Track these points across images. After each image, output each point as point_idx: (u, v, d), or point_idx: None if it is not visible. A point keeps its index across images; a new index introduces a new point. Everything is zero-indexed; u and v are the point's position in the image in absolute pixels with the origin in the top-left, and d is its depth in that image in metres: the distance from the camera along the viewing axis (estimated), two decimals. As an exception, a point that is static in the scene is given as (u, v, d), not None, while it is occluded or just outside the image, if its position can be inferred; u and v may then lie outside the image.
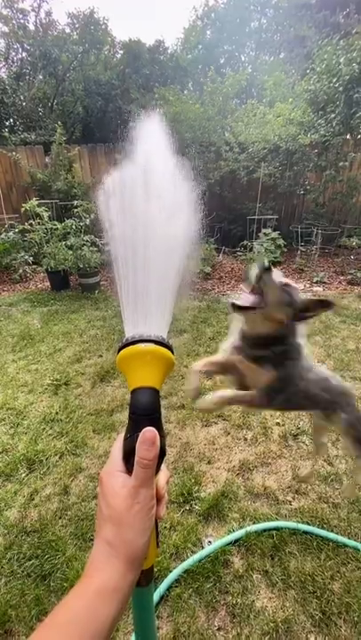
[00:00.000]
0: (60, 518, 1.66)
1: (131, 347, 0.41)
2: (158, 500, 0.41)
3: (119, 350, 0.42)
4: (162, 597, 1.34)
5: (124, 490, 0.37)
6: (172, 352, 0.43)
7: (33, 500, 1.76)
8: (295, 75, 8.81)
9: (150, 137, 0.51)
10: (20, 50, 10.40)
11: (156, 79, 10.48)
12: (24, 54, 10.44)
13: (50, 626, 0.33)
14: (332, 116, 5.59)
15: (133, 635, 1.15)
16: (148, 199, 0.45)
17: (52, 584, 1.38)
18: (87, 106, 10.02)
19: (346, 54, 5.28)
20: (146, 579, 0.43)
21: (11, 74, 10.00)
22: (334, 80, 5.43)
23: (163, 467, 0.43)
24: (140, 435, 0.38)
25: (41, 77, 10.42)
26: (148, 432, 0.38)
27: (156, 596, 1.32)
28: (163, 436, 0.40)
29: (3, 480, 1.88)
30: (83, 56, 10.41)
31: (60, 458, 2.02)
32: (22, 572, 1.43)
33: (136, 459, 0.38)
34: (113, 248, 0.45)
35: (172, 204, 0.46)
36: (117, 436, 0.43)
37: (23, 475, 1.90)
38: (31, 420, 2.32)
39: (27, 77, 10.36)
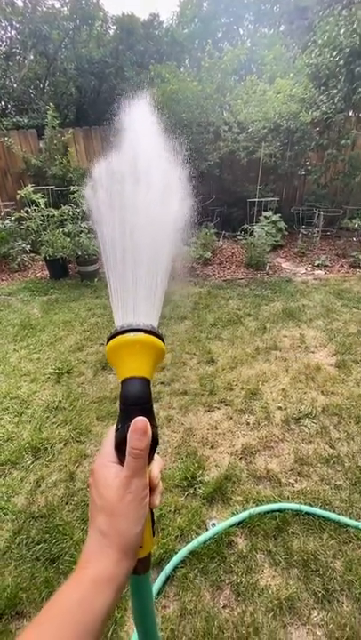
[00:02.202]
0: (66, 504, 1.69)
1: (119, 337, 0.40)
2: (152, 489, 0.41)
3: (108, 341, 0.41)
4: (168, 577, 1.37)
5: (117, 480, 0.37)
6: (163, 341, 0.42)
7: (39, 486, 1.79)
8: (296, 48, 8.44)
9: (139, 119, 0.49)
10: (9, 28, 9.96)
11: (151, 56, 10.06)
12: (13, 32, 10.00)
13: (42, 620, 0.32)
14: (334, 91, 5.39)
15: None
16: (137, 184, 0.43)
17: (60, 567, 1.42)
18: (80, 86, 9.67)
19: (347, 26, 5.04)
20: (143, 567, 0.43)
21: (0, 54, 9.62)
22: (335, 53, 5.20)
23: (156, 456, 0.43)
24: (132, 424, 0.37)
25: (32, 57, 10.01)
26: (140, 422, 0.37)
27: (162, 576, 1.36)
28: (154, 425, 0.39)
29: (9, 468, 1.90)
30: (74, 33, 9.97)
31: (64, 445, 2.04)
32: (31, 555, 1.46)
33: (128, 449, 0.37)
34: (100, 235, 0.44)
35: (163, 188, 0.44)
36: (109, 427, 0.42)
37: (29, 462, 1.93)
38: (35, 409, 2.34)
39: (17, 57, 9.95)
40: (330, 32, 5.30)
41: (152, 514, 0.42)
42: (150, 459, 0.40)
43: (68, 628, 0.31)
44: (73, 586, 0.34)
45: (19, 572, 1.40)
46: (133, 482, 0.37)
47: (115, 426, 0.41)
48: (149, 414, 0.39)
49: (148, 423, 0.38)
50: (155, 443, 0.39)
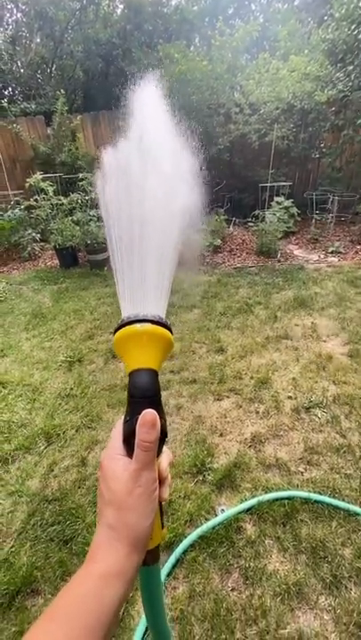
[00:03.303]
0: (79, 488, 1.73)
1: (126, 327, 0.39)
2: (161, 482, 0.41)
3: (115, 332, 0.40)
4: (178, 560, 1.40)
5: (126, 473, 0.37)
6: (171, 331, 0.41)
7: (52, 470, 1.84)
8: (311, 23, 8.03)
9: (148, 102, 0.47)
10: (15, 10, 9.75)
11: (159, 35, 9.73)
12: (19, 15, 9.80)
13: (53, 615, 0.32)
14: (351, 67, 5.12)
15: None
16: (145, 170, 0.42)
17: (74, 547, 1.46)
18: (87, 69, 9.47)
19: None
20: (152, 558, 0.43)
21: (6, 37, 9.44)
22: (353, 27, 4.92)
23: (165, 448, 0.42)
24: (140, 417, 0.37)
25: (38, 40, 9.81)
26: (148, 414, 0.37)
27: (172, 559, 1.39)
28: (163, 417, 0.39)
29: (23, 452, 1.96)
30: (80, 13, 9.70)
31: (76, 431, 2.08)
32: (46, 536, 1.51)
33: (136, 441, 0.37)
34: (107, 221, 0.43)
35: (172, 174, 0.43)
36: (117, 419, 0.42)
37: (42, 447, 1.98)
38: (47, 396, 2.39)
39: (23, 41, 9.77)
40: (348, 4, 5.01)
41: (161, 506, 0.42)
42: (159, 451, 0.40)
43: (79, 622, 0.31)
44: (82, 580, 0.34)
45: (34, 552, 1.45)
46: (143, 475, 0.37)
47: (122, 418, 0.40)
48: (158, 406, 0.38)
49: (157, 416, 0.37)
50: (163, 435, 0.39)
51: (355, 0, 4.95)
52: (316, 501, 1.59)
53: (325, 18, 5.94)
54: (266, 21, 10.08)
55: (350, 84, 5.16)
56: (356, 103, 5.35)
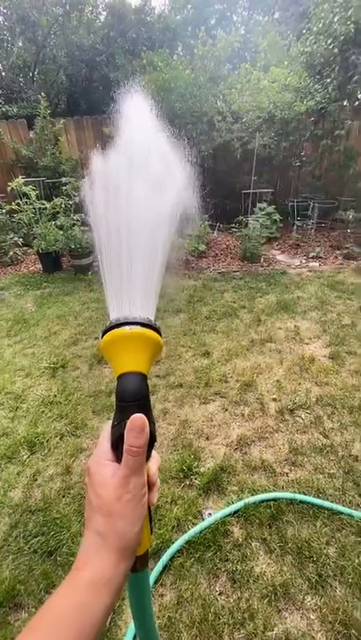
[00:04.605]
0: (63, 497, 1.70)
1: (115, 330, 0.38)
2: (150, 486, 0.40)
3: (103, 334, 0.39)
4: (165, 567, 1.39)
5: (114, 479, 0.36)
6: (160, 334, 0.40)
7: (36, 480, 1.80)
8: (291, 36, 8.30)
9: (132, 108, 0.47)
10: (-4, 13, 9.64)
11: (143, 43, 9.81)
12: (0, 18, 9.69)
13: (38, 625, 0.31)
14: (328, 80, 5.32)
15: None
16: (131, 175, 0.42)
17: (58, 559, 1.43)
18: (71, 74, 9.44)
19: (342, 13, 4.96)
20: (140, 564, 0.42)
21: (-13, 40, 9.32)
22: (330, 41, 5.12)
23: (154, 453, 0.42)
24: (129, 422, 0.36)
25: (20, 44, 9.72)
26: (137, 419, 0.36)
27: (159, 566, 1.38)
28: (152, 422, 0.38)
29: (5, 462, 1.90)
30: (64, 18, 9.68)
31: (60, 439, 2.04)
32: (29, 548, 1.47)
33: (125, 447, 0.36)
34: (95, 225, 0.43)
35: (158, 179, 0.43)
36: (104, 425, 0.41)
37: (25, 457, 1.93)
38: (30, 404, 2.33)
39: (4, 44, 9.66)
40: (325, 19, 5.21)
41: (149, 511, 0.42)
42: (148, 456, 0.39)
43: (64, 632, 0.30)
44: (69, 589, 0.33)
45: (16, 565, 1.41)
46: (131, 480, 0.36)
47: (110, 422, 0.40)
48: (147, 410, 0.38)
49: (146, 420, 0.37)
50: (152, 440, 0.38)
51: (331, 15, 5.15)
52: (301, 501, 1.61)
53: (304, 32, 6.14)
54: (247, 33, 10.36)
55: (328, 96, 5.35)
56: (333, 114, 5.55)
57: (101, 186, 0.43)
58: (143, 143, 0.44)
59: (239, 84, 5.85)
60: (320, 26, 5.29)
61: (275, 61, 6.05)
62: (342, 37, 4.89)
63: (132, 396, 0.38)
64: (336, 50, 5.03)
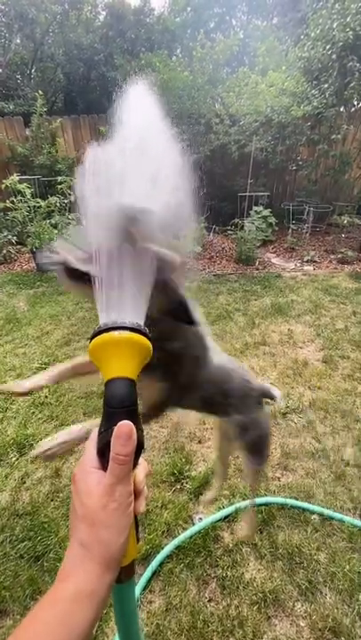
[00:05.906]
0: (52, 500, 1.67)
1: (103, 334, 0.38)
2: (136, 495, 0.39)
3: (91, 338, 0.39)
4: (154, 573, 1.37)
5: (100, 487, 0.35)
6: (150, 339, 0.39)
7: (24, 483, 1.76)
8: (289, 41, 8.37)
9: (131, 108, 0.46)
10: (-6, 9, 9.57)
11: (142, 44, 9.81)
12: (-2, 14, 9.62)
13: (20, 638, 0.30)
14: (326, 86, 5.37)
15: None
16: (126, 174, 0.41)
17: (45, 564, 1.40)
18: (68, 73, 9.39)
19: (340, 19, 5.01)
20: (126, 574, 0.41)
21: (-16, 36, 9.24)
22: (328, 47, 5.17)
23: (141, 460, 0.41)
24: (116, 429, 0.35)
25: (18, 41, 9.66)
26: (124, 426, 0.35)
27: (148, 572, 1.35)
28: (140, 429, 0.37)
29: (-7, 464, 1.87)
30: (62, 17, 9.65)
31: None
32: (15, 553, 1.44)
33: (111, 454, 0.35)
34: (85, 226, 0.42)
35: (153, 178, 0.42)
36: (93, 429, 0.40)
37: (14, 459, 1.90)
38: (20, 405, 2.30)
39: (2, 40, 9.59)
40: (323, 25, 5.26)
41: (136, 520, 0.40)
42: (135, 463, 0.38)
43: None
44: (52, 601, 0.32)
45: (2, 571, 1.38)
46: (117, 489, 0.35)
47: (97, 428, 0.39)
48: (135, 417, 0.37)
49: (134, 427, 0.36)
50: (140, 447, 0.37)
51: (329, 22, 5.20)
52: (292, 506, 1.60)
53: (302, 37, 6.19)
54: (246, 37, 10.43)
55: (325, 101, 5.39)
56: (330, 119, 5.60)
57: (93, 183, 0.42)
58: (143, 142, 0.43)
59: (237, 87, 5.87)
60: (318, 32, 5.34)
61: (273, 66, 6.08)
62: (341, 44, 4.93)
63: (120, 403, 0.37)
64: (334, 56, 5.07)
